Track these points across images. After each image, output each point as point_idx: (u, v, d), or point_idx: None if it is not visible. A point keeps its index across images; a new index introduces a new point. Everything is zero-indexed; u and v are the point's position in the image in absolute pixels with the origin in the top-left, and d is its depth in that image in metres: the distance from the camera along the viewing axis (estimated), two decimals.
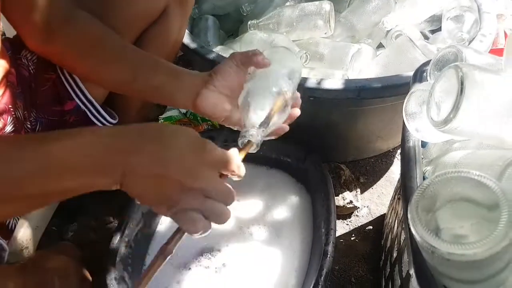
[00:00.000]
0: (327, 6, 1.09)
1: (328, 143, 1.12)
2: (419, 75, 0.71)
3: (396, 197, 0.89)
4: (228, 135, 1.02)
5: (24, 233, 0.91)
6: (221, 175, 0.51)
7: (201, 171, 0.49)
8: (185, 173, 0.48)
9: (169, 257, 0.51)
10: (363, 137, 1.13)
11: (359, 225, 1.06)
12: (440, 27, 1.15)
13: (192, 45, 1.03)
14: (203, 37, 1.24)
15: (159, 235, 0.94)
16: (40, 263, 0.74)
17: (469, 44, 1.02)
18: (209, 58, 0.99)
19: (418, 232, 0.40)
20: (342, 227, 1.06)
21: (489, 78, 0.49)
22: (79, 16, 0.72)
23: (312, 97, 0.90)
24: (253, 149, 0.57)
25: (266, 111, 0.58)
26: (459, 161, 0.55)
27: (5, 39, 0.76)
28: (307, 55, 1.07)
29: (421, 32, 1.23)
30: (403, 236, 0.69)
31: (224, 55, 1.01)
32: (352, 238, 1.03)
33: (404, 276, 0.63)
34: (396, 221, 0.79)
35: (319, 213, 0.89)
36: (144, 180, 0.48)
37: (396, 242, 0.75)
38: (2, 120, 0.70)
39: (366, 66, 1.06)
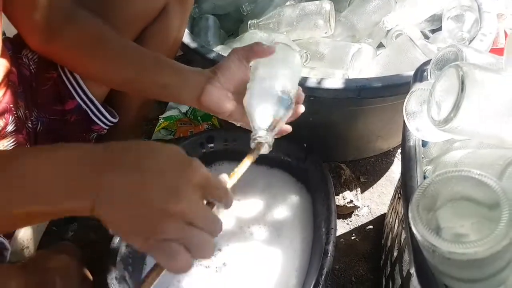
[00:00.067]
0: (327, 6, 1.09)
1: (328, 143, 1.12)
2: (419, 75, 0.71)
3: (396, 196, 0.89)
4: (228, 135, 1.02)
5: (24, 233, 0.91)
6: (208, 203, 0.47)
7: (184, 191, 0.43)
8: (165, 194, 0.42)
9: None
10: (363, 136, 1.13)
11: (359, 224, 1.06)
12: (441, 26, 1.15)
13: (193, 45, 1.03)
14: (203, 37, 1.24)
15: None
16: (41, 262, 0.74)
17: (469, 43, 1.02)
18: (209, 58, 0.99)
19: (419, 231, 0.40)
20: (342, 227, 1.06)
21: (489, 77, 0.49)
22: (80, 15, 0.72)
23: (312, 96, 0.90)
24: (265, 150, 0.57)
25: (273, 112, 0.59)
26: (460, 160, 0.55)
27: (6, 38, 0.76)
28: (307, 55, 1.07)
29: (422, 32, 1.23)
30: (403, 235, 0.69)
31: (224, 54, 1.01)
32: (352, 238, 1.03)
33: (404, 275, 0.63)
34: (397, 220, 0.79)
35: (320, 212, 0.89)
36: (118, 204, 0.42)
37: (396, 241, 0.75)
38: (3, 119, 0.70)
39: (367, 65, 1.07)
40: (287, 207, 0.96)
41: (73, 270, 0.80)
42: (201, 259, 0.44)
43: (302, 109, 0.68)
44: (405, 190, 0.55)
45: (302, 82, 0.88)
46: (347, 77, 1.04)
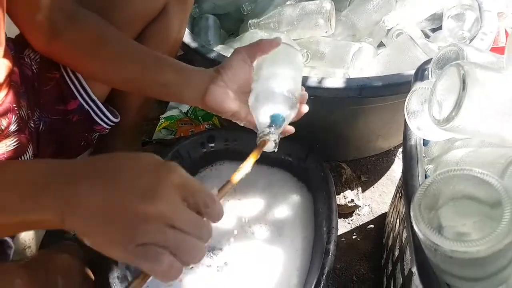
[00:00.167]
0: (327, 5, 1.09)
1: (329, 142, 1.13)
2: (420, 74, 0.71)
3: (397, 195, 0.89)
4: (229, 135, 1.02)
5: (26, 233, 0.91)
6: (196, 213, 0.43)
7: (161, 190, 0.40)
8: (139, 196, 0.39)
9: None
10: (364, 136, 1.13)
11: (360, 223, 1.06)
12: (441, 25, 1.15)
13: (193, 45, 1.03)
14: (204, 37, 1.24)
15: None
16: (43, 262, 0.74)
17: (470, 42, 1.02)
18: (209, 58, 0.99)
19: (421, 230, 0.41)
20: (343, 226, 1.06)
21: (490, 76, 0.49)
22: (82, 15, 0.72)
23: (313, 96, 0.90)
24: (271, 148, 0.57)
25: (278, 111, 0.59)
26: (461, 159, 0.55)
27: (8, 39, 0.76)
28: (308, 54, 1.07)
29: (422, 31, 1.23)
30: (404, 235, 0.69)
31: (224, 54, 1.01)
32: (353, 237, 1.03)
33: (406, 274, 0.63)
34: (398, 219, 0.79)
35: (321, 211, 0.89)
36: (89, 214, 0.39)
37: (397, 241, 0.75)
38: (6, 119, 0.70)
39: (367, 65, 1.07)
40: (288, 206, 0.97)
41: (75, 269, 0.80)
42: (190, 264, 0.41)
43: (306, 108, 0.68)
44: (406, 189, 0.55)
45: (303, 82, 0.88)
46: (348, 77, 1.04)
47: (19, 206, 0.41)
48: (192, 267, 0.42)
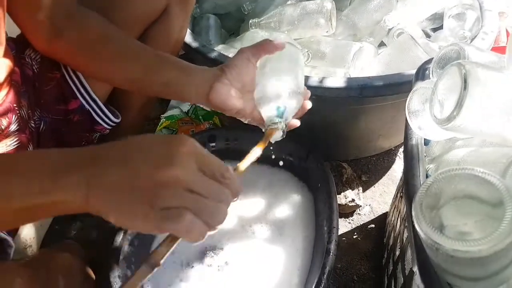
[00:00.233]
0: (328, 5, 1.09)
1: (330, 142, 1.12)
2: (421, 73, 0.71)
3: (398, 195, 0.89)
4: (229, 134, 1.02)
5: (27, 232, 0.91)
6: None
7: (175, 158, 0.41)
8: (154, 163, 0.41)
9: (156, 269, 0.43)
10: (364, 135, 1.13)
11: (361, 223, 1.06)
12: (442, 25, 1.15)
13: (194, 44, 1.03)
14: (205, 36, 1.24)
15: (162, 234, 0.94)
16: (44, 261, 0.74)
17: (471, 42, 1.02)
18: (210, 57, 0.99)
19: (423, 229, 0.41)
20: (344, 226, 1.06)
21: (492, 76, 0.49)
22: (84, 14, 0.72)
23: (314, 95, 0.89)
24: (278, 137, 0.59)
25: (283, 103, 0.61)
26: (462, 159, 0.55)
27: (9, 38, 0.76)
28: (308, 54, 1.07)
29: (423, 30, 1.23)
30: (405, 234, 0.69)
31: (225, 54, 1.01)
32: (354, 237, 1.03)
33: (407, 274, 0.63)
34: (399, 219, 0.79)
35: (321, 211, 0.89)
36: (112, 187, 0.41)
37: (398, 240, 0.75)
38: (7, 118, 0.70)
39: (368, 64, 1.06)
40: (288, 206, 0.97)
41: (76, 268, 0.80)
42: (213, 226, 0.42)
43: (309, 104, 0.69)
44: (407, 188, 0.55)
45: (304, 81, 0.88)
46: (349, 76, 1.04)
47: (43, 188, 0.42)
48: (217, 229, 0.43)
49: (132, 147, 0.44)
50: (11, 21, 0.70)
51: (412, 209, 0.43)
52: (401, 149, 1.24)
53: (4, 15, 0.65)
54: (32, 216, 0.46)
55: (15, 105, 0.71)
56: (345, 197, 1.05)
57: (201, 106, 1.01)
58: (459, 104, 0.46)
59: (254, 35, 1.14)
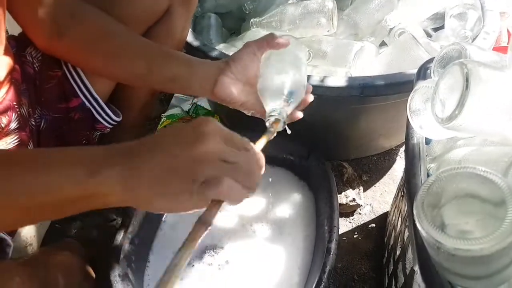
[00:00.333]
0: (330, 4, 1.09)
1: (330, 141, 1.12)
2: (422, 73, 0.71)
3: (399, 194, 0.89)
4: None
5: (28, 230, 0.91)
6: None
7: (202, 134, 0.44)
8: (185, 143, 0.44)
9: (209, 229, 0.45)
10: (365, 135, 1.13)
11: (361, 223, 1.06)
12: (443, 25, 1.15)
13: (195, 43, 1.03)
14: (206, 35, 1.24)
15: (163, 233, 0.94)
16: (44, 259, 0.74)
17: (472, 41, 1.01)
18: (211, 56, 0.99)
19: (424, 228, 0.40)
20: (345, 225, 1.06)
21: (494, 75, 0.49)
22: (86, 11, 0.72)
23: (315, 95, 0.89)
24: (280, 127, 0.59)
25: (286, 92, 0.61)
26: (464, 158, 0.55)
27: (10, 36, 0.76)
28: (310, 53, 1.07)
29: (424, 30, 1.23)
30: (406, 234, 0.69)
31: (226, 53, 1.01)
32: (355, 236, 1.03)
33: (408, 273, 0.63)
34: (400, 218, 0.79)
35: (322, 210, 0.89)
36: (152, 173, 0.43)
37: (399, 240, 0.75)
38: (7, 117, 0.70)
39: (369, 64, 1.06)
40: (289, 205, 0.97)
41: (76, 267, 0.80)
42: (251, 188, 0.45)
43: (311, 98, 0.69)
44: (409, 187, 0.55)
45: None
46: (350, 76, 1.04)
47: (83, 181, 0.43)
48: (254, 192, 0.46)
49: (160, 136, 0.47)
50: (13, 19, 0.70)
51: (414, 208, 0.43)
52: (402, 149, 1.24)
53: (4, 13, 0.64)
54: (69, 209, 0.47)
55: (15, 103, 0.71)
56: (346, 196, 1.05)
57: (206, 98, 1.01)
58: (460, 103, 0.46)
59: (255, 34, 1.14)
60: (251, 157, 0.47)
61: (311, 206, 0.96)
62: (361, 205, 1.07)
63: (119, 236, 0.83)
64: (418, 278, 0.46)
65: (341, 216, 1.06)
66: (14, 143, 0.71)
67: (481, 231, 0.41)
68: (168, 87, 0.73)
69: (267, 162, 0.49)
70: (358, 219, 1.07)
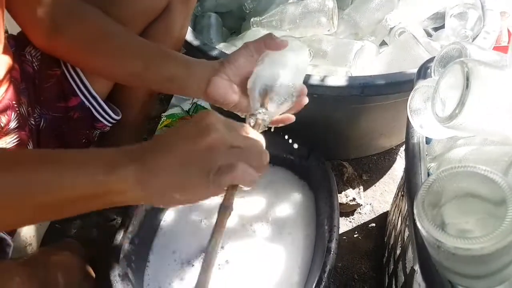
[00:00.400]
0: (330, 3, 1.09)
1: (331, 141, 1.12)
2: (423, 72, 0.71)
3: (399, 194, 0.89)
4: None
5: (27, 230, 0.91)
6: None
7: (208, 126, 0.46)
8: (194, 136, 0.46)
9: (232, 213, 0.47)
10: (366, 134, 1.13)
11: (362, 222, 1.06)
12: (444, 24, 1.15)
13: (195, 42, 1.03)
14: (206, 35, 1.24)
15: (162, 232, 0.94)
16: (44, 259, 0.74)
17: (472, 41, 1.01)
18: (211, 55, 0.99)
19: (425, 227, 0.40)
20: (345, 225, 1.06)
21: (494, 74, 0.49)
22: (84, 10, 0.72)
23: (315, 94, 0.90)
24: (261, 129, 0.58)
25: (274, 94, 0.60)
26: (464, 157, 0.55)
27: (9, 35, 0.76)
28: (310, 52, 1.07)
29: (424, 30, 1.23)
30: (406, 233, 0.69)
31: (226, 52, 1.01)
32: (355, 236, 1.03)
33: (408, 272, 0.63)
34: (400, 218, 0.79)
35: (322, 210, 0.89)
36: (167, 169, 0.45)
37: (399, 239, 0.75)
38: (6, 116, 0.70)
39: (369, 63, 1.06)
40: (289, 204, 0.96)
41: (76, 267, 0.80)
42: (261, 169, 0.47)
43: (305, 100, 0.68)
44: (409, 187, 0.55)
45: (305, 80, 0.88)
46: (350, 75, 1.04)
47: (98, 179, 0.44)
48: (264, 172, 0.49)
49: (167, 135, 0.48)
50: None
51: (414, 207, 0.43)
52: (402, 148, 1.24)
53: (3, 12, 0.64)
54: (83, 207, 0.47)
55: (14, 102, 0.71)
56: (346, 196, 1.05)
57: (201, 99, 1.00)
58: (461, 102, 0.46)
59: (256, 33, 1.14)
60: (254, 139, 0.49)
61: (311, 206, 0.96)
62: (361, 205, 1.07)
63: (119, 236, 0.83)
64: (418, 277, 0.46)
65: (341, 216, 1.06)
66: (14, 142, 0.71)
67: (481, 230, 0.41)
68: (165, 87, 0.72)
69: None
70: (358, 219, 1.07)
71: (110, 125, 0.88)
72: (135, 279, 0.81)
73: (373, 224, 1.05)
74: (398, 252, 0.74)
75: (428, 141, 0.65)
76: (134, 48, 0.72)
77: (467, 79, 0.46)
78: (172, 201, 0.47)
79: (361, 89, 0.89)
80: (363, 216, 1.08)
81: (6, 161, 0.45)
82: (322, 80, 0.90)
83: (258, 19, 1.19)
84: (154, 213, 0.93)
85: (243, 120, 0.72)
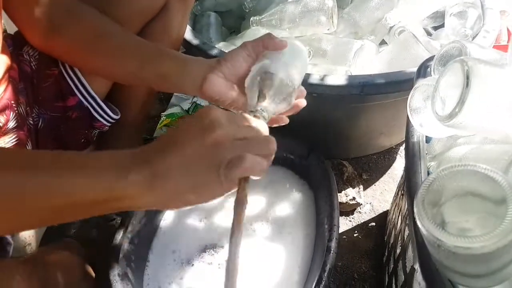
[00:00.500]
0: (330, 2, 1.09)
1: (330, 140, 1.12)
2: (423, 71, 0.71)
3: (399, 193, 0.88)
4: None
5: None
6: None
7: (211, 121, 0.46)
8: (198, 133, 0.46)
9: (247, 206, 0.47)
10: (365, 133, 1.13)
11: (362, 221, 1.06)
12: (443, 23, 1.15)
13: (195, 42, 1.03)
14: (205, 34, 1.24)
15: (162, 232, 0.94)
16: (43, 258, 0.74)
17: (472, 40, 1.01)
18: (211, 55, 0.99)
19: (424, 226, 0.40)
20: (345, 224, 1.06)
21: (494, 73, 0.48)
22: (81, 10, 0.71)
23: (315, 93, 0.90)
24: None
25: (271, 92, 0.59)
26: (464, 156, 0.54)
27: (7, 35, 0.76)
28: (310, 51, 1.07)
29: (424, 29, 1.22)
30: (406, 232, 0.69)
31: (226, 51, 1.01)
32: (355, 235, 1.03)
33: (408, 272, 0.63)
34: (400, 217, 0.79)
35: (322, 209, 0.89)
36: (177, 171, 0.45)
37: (399, 238, 0.75)
38: (4, 116, 0.70)
39: (369, 62, 1.06)
40: (289, 204, 0.96)
41: (75, 266, 0.80)
42: (269, 156, 0.48)
43: (303, 102, 0.68)
44: (409, 186, 0.55)
45: (305, 79, 0.88)
46: (350, 74, 1.04)
47: (109, 184, 0.44)
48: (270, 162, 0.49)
49: (171, 136, 0.48)
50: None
51: (414, 206, 0.42)
52: (402, 147, 1.24)
53: (0, 12, 0.64)
54: (94, 211, 0.47)
55: (12, 102, 0.71)
56: (346, 195, 1.05)
57: (199, 97, 1.00)
58: (461, 101, 0.46)
59: (255, 32, 1.14)
60: (257, 128, 0.49)
61: (311, 205, 0.96)
62: (361, 204, 1.07)
63: (119, 236, 0.83)
64: (418, 276, 0.46)
65: (341, 215, 1.05)
66: (12, 142, 0.71)
67: (482, 229, 0.41)
68: (161, 84, 0.72)
69: None
70: (358, 218, 1.07)
71: (109, 124, 0.88)
72: (135, 279, 0.81)
73: (373, 223, 1.05)
74: (398, 251, 0.74)
75: (428, 140, 0.65)
76: (131, 47, 0.71)
77: (467, 77, 0.46)
78: (187, 203, 0.47)
79: (360, 88, 0.89)
80: (363, 215, 1.08)
81: (19, 162, 0.45)
82: (322, 79, 0.90)
83: (257, 18, 1.19)
84: (154, 213, 0.93)
85: None
